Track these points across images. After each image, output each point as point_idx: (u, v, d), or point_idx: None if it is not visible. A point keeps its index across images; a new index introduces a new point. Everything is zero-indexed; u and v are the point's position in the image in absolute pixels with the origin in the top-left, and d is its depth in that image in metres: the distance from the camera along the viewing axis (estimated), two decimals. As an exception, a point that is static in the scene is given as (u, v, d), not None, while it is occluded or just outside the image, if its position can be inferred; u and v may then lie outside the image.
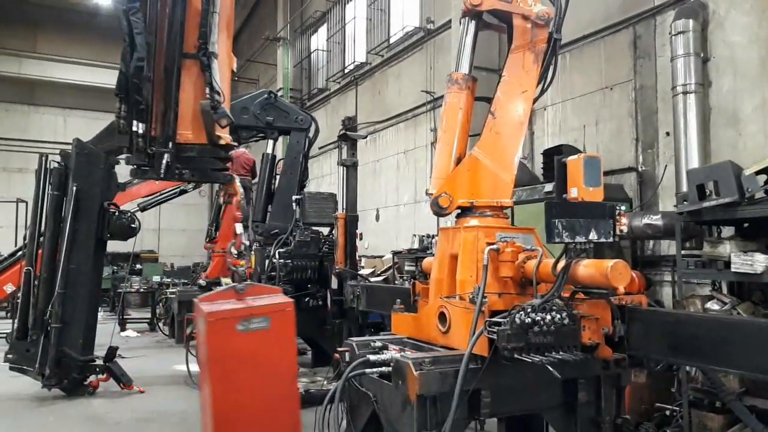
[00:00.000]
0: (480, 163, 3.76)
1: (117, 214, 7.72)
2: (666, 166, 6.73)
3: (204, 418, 4.02)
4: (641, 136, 7.16)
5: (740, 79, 6.08)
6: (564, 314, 3.05)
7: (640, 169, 7.11)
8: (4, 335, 9.24)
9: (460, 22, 4.16)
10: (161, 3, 4.50)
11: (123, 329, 13.21)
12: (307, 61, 18.22)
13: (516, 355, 2.95)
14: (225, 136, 4.70)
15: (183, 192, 12.59)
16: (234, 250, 9.22)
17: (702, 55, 6.24)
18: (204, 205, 23.68)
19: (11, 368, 7.48)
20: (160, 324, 13.63)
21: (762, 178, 4.68)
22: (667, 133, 6.73)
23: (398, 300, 4.14)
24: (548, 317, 3.00)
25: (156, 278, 16.15)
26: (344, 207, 8.15)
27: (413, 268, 8.91)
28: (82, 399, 7.39)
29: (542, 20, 3.86)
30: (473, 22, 4.05)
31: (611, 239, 3.18)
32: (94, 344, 7.70)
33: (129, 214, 8.06)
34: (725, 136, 6.17)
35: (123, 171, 8.31)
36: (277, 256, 7.90)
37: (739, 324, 3.15)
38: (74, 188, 7.32)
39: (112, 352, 7.73)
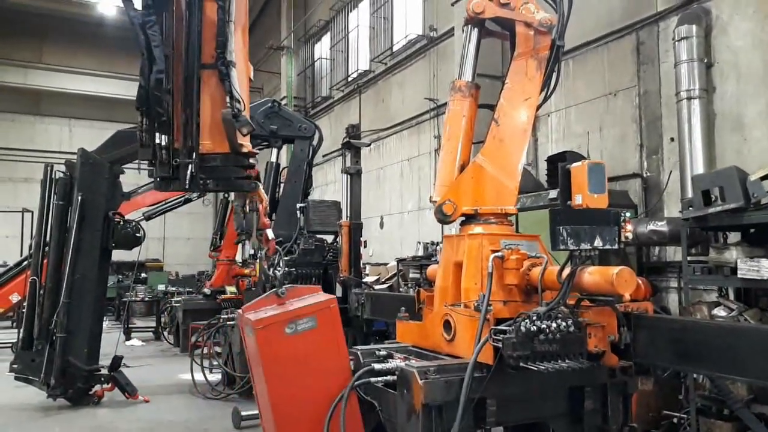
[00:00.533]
0: (484, 171, 3.76)
1: (122, 223, 7.75)
2: (671, 171, 6.71)
3: (265, 423, 4.05)
4: (645, 142, 7.14)
5: (744, 84, 6.07)
6: (569, 322, 3.03)
7: (644, 175, 7.09)
8: (10, 345, 9.29)
9: (463, 30, 4.17)
10: (177, 15, 4.53)
11: (128, 338, 13.23)
12: (311, 70, 18.29)
13: (521, 364, 2.94)
14: (247, 143, 4.73)
15: (188, 201, 12.67)
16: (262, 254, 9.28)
17: (706, 60, 6.23)
18: (209, 213, 23.74)
19: (16, 378, 7.49)
20: (165, 333, 13.64)
21: (768, 183, 4.66)
22: (672, 139, 6.72)
23: (403, 308, 4.13)
24: (554, 325, 2.98)
25: (161, 287, 16.19)
26: (348, 215, 8.15)
27: (418, 276, 8.89)
28: (87, 409, 7.39)
29: (545, 27, 3.86)
30: (476, 29, 4.06)
31: (616, 246, 3.17)
32: (99, 354, 7.70)
33: (134, 223, 8.09)
34: (730, 141, 6.15)
35: (128, 180, 8.39)
36: (281, 264, 7.89)
37: (746, 331, 3.13)
38: (79, 198, 7.34)
39: (117, 361, 7.73)
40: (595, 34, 7.78)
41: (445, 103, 4.51)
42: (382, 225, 13.55)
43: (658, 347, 3.20)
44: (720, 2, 6.30)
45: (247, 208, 5.20)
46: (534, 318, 2.98)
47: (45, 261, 7.60)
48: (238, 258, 13.01)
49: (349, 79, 15.38)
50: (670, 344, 3.14)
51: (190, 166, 4.47)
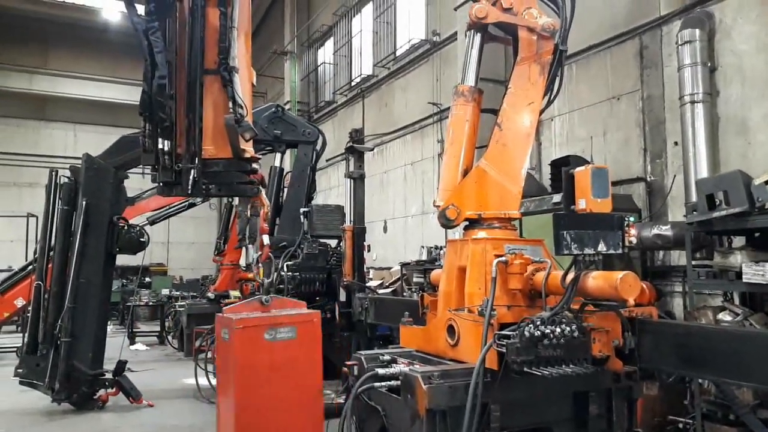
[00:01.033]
0: (487, 175, 3.76)
1: (126, 228, 7.77)
2: (675, 176, 6.69)
3: (222, 427, 4.03)
4: (649, 146, 7.13)
5: (748, 88, 6.06)
6: (574, 327, 3.03)
7: (648, 179, 7.07)
8: (15, 349, 9.30)
9: (466, 35, 4.18)
10: (180, 21, 4.56)
11: (132, 343, 13.23)
12: (314, 75, 18.34)
13: (526, 369, 2.93)
14: (249, 149, 4.74)
15: (192, 205, 12.68)
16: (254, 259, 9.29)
17: (709, 64, 6.23)
18: (213, 218, 23.78)
19: (21, 382, 7.50)
20: (169, 337, 13.65)
21: (772, 187, 4.64)
22: (676, 143, 6.70)
23: (407, 312, 4.13)
24: (558, 330, 2.98)
25: (165, 291, 16.20)
26: (352, 219, 8.15)
27: (421, 280, 8.88)
28: (91, 413, 7.39)
29: (547, 32, 3.87)
30: (479, 34, 4.07)
31: (620, 250, 3.16)
32: (104, 358, 7.72)
33: (138, 227, 8.10)
34: (734, 145, 6.14)
35: (132, 185, 8.41)
36: (285, 268, 7.91)
37: (752, 336, 3.12)
38: (84, 203, 7.37)
39: (121, 365, 7.74)
40: (598, 38, 7.78)
41: (449, 108, 4.52)
42: (385, 229, 13.55)
43: (662, 352, 3.19)
44: (723, 6, 6.30)
45: (249, 213, 5.21)
46: (538, 323, 2.98)
47: (50, 266, 7.63)
48: (242, 262, 13.01)
49: (353, 83, 15.42)
50: (674, 349, 3.13)
51: (192, 171, 4.49)
